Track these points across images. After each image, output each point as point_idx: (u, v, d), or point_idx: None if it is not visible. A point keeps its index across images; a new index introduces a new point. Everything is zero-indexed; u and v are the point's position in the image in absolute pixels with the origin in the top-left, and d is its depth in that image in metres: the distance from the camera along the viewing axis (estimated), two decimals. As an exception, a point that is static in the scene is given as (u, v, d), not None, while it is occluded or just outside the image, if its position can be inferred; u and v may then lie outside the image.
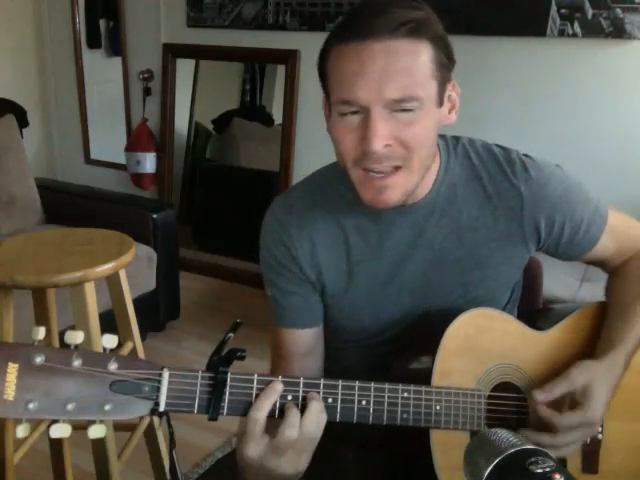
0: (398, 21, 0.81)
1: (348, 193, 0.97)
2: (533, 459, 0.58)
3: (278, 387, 0.77)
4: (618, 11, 2.28)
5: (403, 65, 0.81)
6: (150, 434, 1.75)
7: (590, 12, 2.33)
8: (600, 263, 1.09)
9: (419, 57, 0.82)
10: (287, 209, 1.01)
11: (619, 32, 2.30)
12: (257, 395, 0.77)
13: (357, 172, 0.88)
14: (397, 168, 0.86)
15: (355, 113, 0.84)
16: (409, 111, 0.83)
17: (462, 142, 1.01)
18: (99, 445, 1.54)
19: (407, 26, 0.81)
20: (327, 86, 0.89)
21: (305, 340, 1.04)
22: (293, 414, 0.77)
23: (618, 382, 0.93)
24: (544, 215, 0.97)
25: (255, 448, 0.77)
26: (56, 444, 1.76)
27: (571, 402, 0.91)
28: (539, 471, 0.57)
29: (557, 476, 0.56)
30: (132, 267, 1.66)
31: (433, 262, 0.99)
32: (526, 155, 1.01)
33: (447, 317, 0.93)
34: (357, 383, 0.81)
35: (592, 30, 2.34)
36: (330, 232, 0.99)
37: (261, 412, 0.76)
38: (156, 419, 1.72)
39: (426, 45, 0.83)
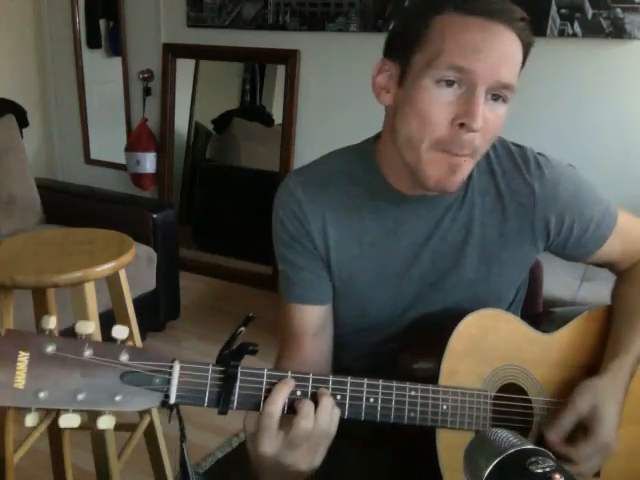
0: (520, 15, 0.84)
1: (367, 175, 0.97)
2: (533, 459, 0.58)
3: (290, 381, 0.77)
4: (618, 11, 2.28)
5: (515, 55, 0.84)
6: (150, 434, 1.75)
7: (590, 12, 2.33)
8: (607, 265, 1.08)
9: (521, 54, 0.86)
10: (301, 184, 1.00)
11: (619, 32, 2.30)
12: (269, 390, 0.77)
13: (429, 154, 0.86)
14: (466, 155, 0.87)
15: (452, 85, 0.83)
16: (503, 102, 0.85)
17: None
18: (99, 445, 1.54)
19: (525, 24, 0.85)
20: (424, 47, 0.84)
21: (315, 317, 1.02)
22: (307, 405, 0.76)
23: (625, 392, 0.93)
24: (555, 214, 0.98)
25: (271, 444, 0.76)
26: (56, 444, 1.76)
27: (582, 426, 0.91)
28: (539, 471, 0.57)
29: (557, 476, 0.56)
30: (132, 267, 1.66)
31: (443, 254, 0.99)
32: (540, 154, 1.01)
33: (453, 316, 0.93)
34: (366, 380, 0.82)
35: (592, 30, 2.34)
36: (343, 212, 0.98)
37: (276, 406, 0.75)
38: (156, 419, 1.72)
39: (524, 48, 0.86)
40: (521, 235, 0.99)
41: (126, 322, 1.66)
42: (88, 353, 0.69)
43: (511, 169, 0.98)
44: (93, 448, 1.56)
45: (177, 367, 0.73)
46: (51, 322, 0.71)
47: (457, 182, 0.88)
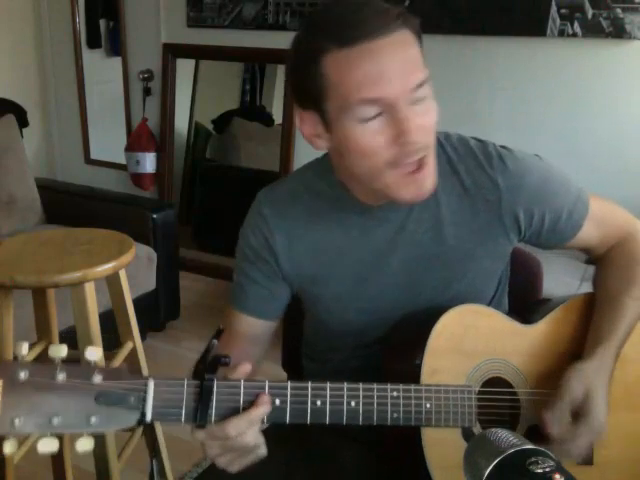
0: (394, 14, 0.83)
1: (330, 189, 0.98)
2: (533, 459, 0.58)
3: (264, 410, 0.77)
4: (618, 11, 2.28)
5: (411, 54, 0.84)
6: (150, 434, 1.75)
7: (590, 12, 2.32)
8: (585, 251, 1.10)
9: (415, 46, 0.85)
10: (269, 202, 1.03)
11: (619, 32, 2.29)
12: (247, 400, 0.76)
13: (393, 174, 0.86)
14: (422, 157, 0.87)
15: (375, 117, 0.83)
16: (424, 100, 0.84)
17: (438, 137, 1.00)
18: (99, 445, 1.54)
19: (401, 18, 0.83)
20: (328, 93, 0.84)
21: (256, 328, 1.05)
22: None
23: (610, 376, 0.94)
24: (522, 206, 0.98)
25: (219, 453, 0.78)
26: (56, 444, 1.76)
27: (574, 410, 0.91)
28: (539, 471, 0.57)
29: (557, 476, 0.56)
30: (132, 267, 1.66)
31: (415, 257, 0.99)
32: (503, 147, 1.01)
33: (432, 314, 0.93)
34: (345, 384, 0.81)
35: (592, 30, 2.34)
36: (310, 226, 1.00)
37: (234, 431, 0.75)
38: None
39: (414, 34, 0.85)
40: (492, 229, 0.99)
41: (126, 322, 1.66)
42: (61, 377, 0.70)
43: (474, 166, 0.98)
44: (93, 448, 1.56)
45: (151, 384, 0.73)
46: (24, 348, 0.71)
47: (431, 184, 0.89)
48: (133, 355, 1.68)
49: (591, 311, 1.02)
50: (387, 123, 0.83)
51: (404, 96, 0.82)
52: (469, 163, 0.98)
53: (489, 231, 0.99)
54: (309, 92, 0.86)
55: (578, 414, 0.91)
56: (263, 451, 0.81)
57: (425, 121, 0.85)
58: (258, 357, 1.07)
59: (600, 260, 1.09)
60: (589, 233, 1.03)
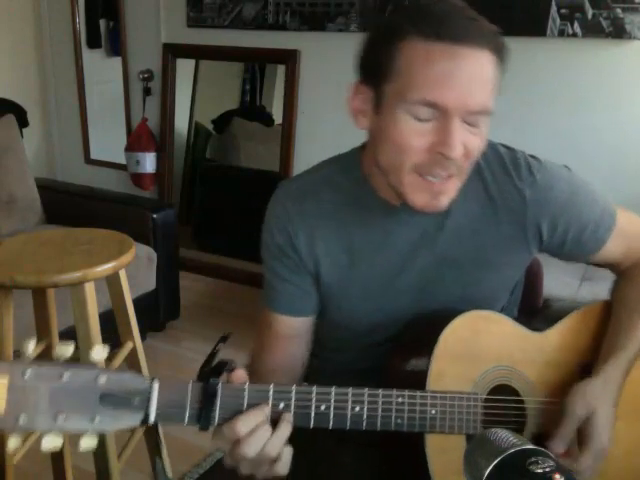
0: (489, 33, 0.82)
1: (355, 186, 0.97)
2: (533, 459, 0.58)
3: (262, 411, 0.76)
4: (618, 11, 2.28)
5: (486, 76, 0.82)
6: (150, 434, 1.75)
7: (590, 12, 2.33)
8: (608, 265, 1.08)
9: (494, 72, 0.83)
10: (292, 196, 1.00)
11: (619, 32, 2.29)
12: (251, 404, 0.76)
13: (411, 177, 0.86)
14: (450, 175, 0.86)
15: (430, 120, 0.82)
16: (477, 127, 0.84)
17: None
18: (99, 445, 1.54)
19: (495, 41, 0.82)
20: (393, 77, 0.83)
21: (293, 326, 1.03)
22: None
23: (619, 392, 0.94)
24: (547, 219, 0.97)
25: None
26: (56, 444, 1.76)
27: (579, 432, 0.91)
28: (539, 471, 0.57)
29: (557, 476, 0.56)
30: (132, 267, 1.66)
31: (434, 262, 0.98)
32: (532, 156, 1.00)
33: (443, 318, 0.92)
34: (350, 390, 0.80)
35: (592, 30, 2.34)
36: (332, 224, 0.98)
37: (233, 432, 0.74)
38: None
39: (498, 63, 0.84)
40: (514, 239, 0.98)
41: (126, 322, 1.66)
42: (66, 377, 0.70)
43: (501, 175, 0.97)
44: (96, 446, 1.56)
45: (156, 385, 0.73)
46: (30, 346, 0.72)
47: (444, 203, 0.88)
48: (133, 355, 1.68)
49: (604, 322, 1.01)
50: (435, 126, 0.82)
51: (461, 112, 0.81)
52: (496, 170, 0.97)
53: (510, 242, 0.98)
54: (374, 67, 0.85)
55: (581, 435, 0.91)
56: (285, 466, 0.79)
57: (468, 142, 0.84)
58: (303, 355, 1.05)
59: (621, 274, 1.07)
60: (614, 248, 1.02)
